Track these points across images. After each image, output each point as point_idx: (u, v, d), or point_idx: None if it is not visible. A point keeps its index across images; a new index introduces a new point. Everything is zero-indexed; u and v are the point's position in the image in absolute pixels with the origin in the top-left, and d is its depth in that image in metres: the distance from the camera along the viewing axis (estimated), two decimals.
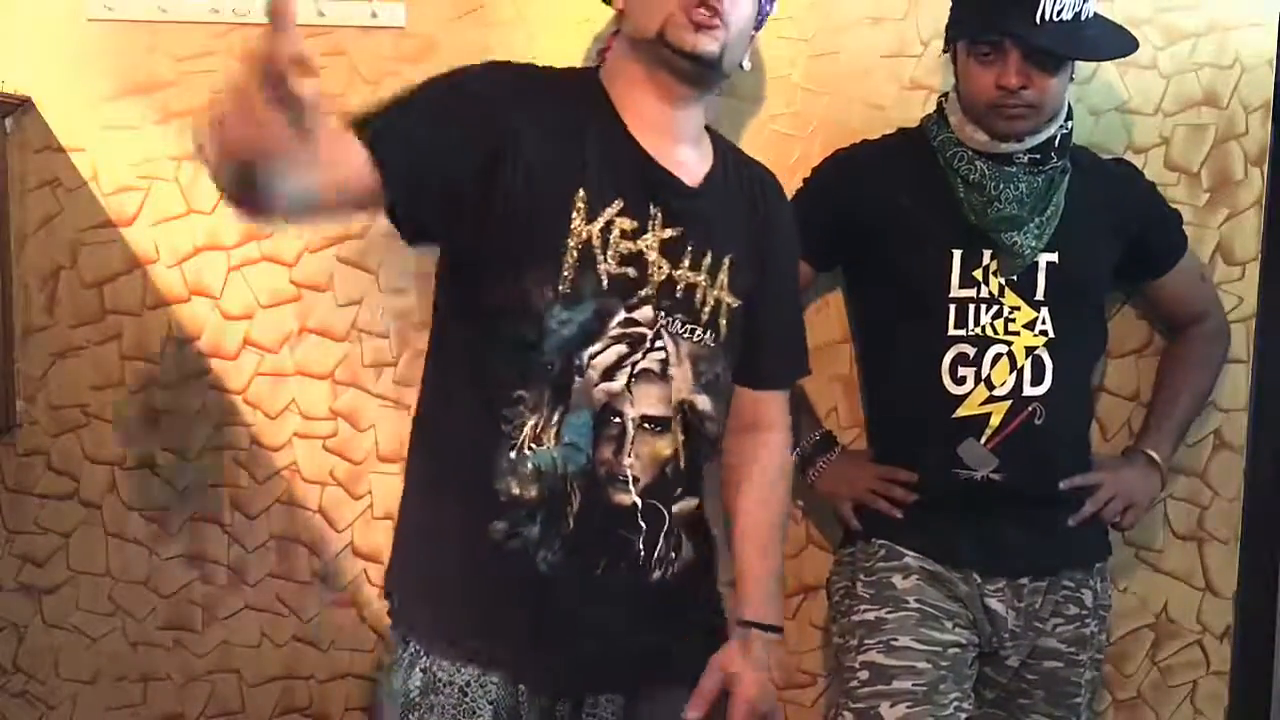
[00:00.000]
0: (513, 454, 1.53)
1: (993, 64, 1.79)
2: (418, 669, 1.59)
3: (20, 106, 2.09)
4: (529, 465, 1.53)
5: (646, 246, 1.57)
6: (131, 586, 2.19)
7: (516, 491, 1.54)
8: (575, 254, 1.52)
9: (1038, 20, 1.75)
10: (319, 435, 2.15)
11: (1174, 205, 2.07)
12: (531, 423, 1.53)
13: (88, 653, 2.21)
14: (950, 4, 1.89)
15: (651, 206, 1.57)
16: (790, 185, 2.02)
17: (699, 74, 1.58)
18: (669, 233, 1.58)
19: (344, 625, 2.19)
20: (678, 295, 1.59)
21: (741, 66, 1.66)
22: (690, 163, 1.63)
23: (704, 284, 1.61)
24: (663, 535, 1.60)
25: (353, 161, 1.38)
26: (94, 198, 2.12)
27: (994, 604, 1.91)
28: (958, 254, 1.88)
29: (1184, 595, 2.20)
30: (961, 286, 1.88)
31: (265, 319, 2.14)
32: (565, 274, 1.52)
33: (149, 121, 2.10)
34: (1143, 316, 2.15)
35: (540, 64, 1.66)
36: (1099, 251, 1.94)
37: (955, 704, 1.85)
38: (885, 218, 1.92)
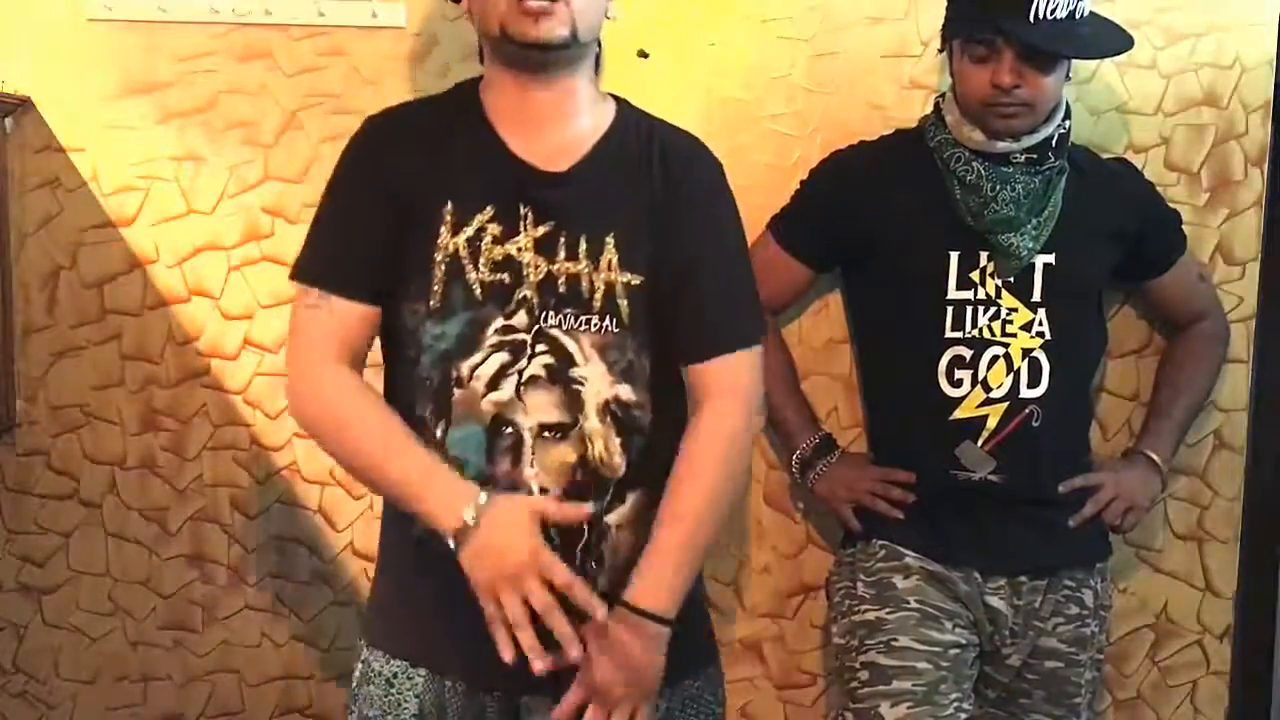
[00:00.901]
0: None
1: (987, 62, 1.80)
2: (359, 662, 1.65)
3: (20, 106, 2.09)
4: None
5: (519, 249, 1.54)
6: (131, 586, 2.19)
7: None
8: (443, 268, 1.53)
9: (1031, 18, 1.74)
10: None
11: (1174, 205, 2.07)
12: (432, 439, 1.54)
13: (88, 653, 2.21)
14: (946, 3, 1.89)
15: (522, 206, 1.54)
16: (790, 185, 2.03)
17: (556, 58, 1.52)
18: (542, 229, 1.54)
19: (344, 625, 2.19)
20: (560, 290, 1.54)
21: (608, 16, 1.59)
22: (572, 142, 1.57)
23: (586, 271, 1.54)
24: (580, 546, 1.55)
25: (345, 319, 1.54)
26: (94, 198, 2.12)
27: (994, 602, 1.91)
28: (954, 255, 1.88)
29: (1184, 595, 2.20)
30: (958, 288, 1.88)
31: (265, 319, 2.14)
32: (435, 288, 1.53)
33: (149, 121, 2.10)
34: (1143, 316, 2.15)
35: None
36: (1097, 252, 1.94)
37: (955, 704, 1.85)
38: (882, 219, 1.92)
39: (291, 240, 2.11)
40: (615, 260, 1.55)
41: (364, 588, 2.17)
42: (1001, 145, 1.84)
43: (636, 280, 1.56)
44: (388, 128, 1.61)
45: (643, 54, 2.08)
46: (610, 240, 1.55)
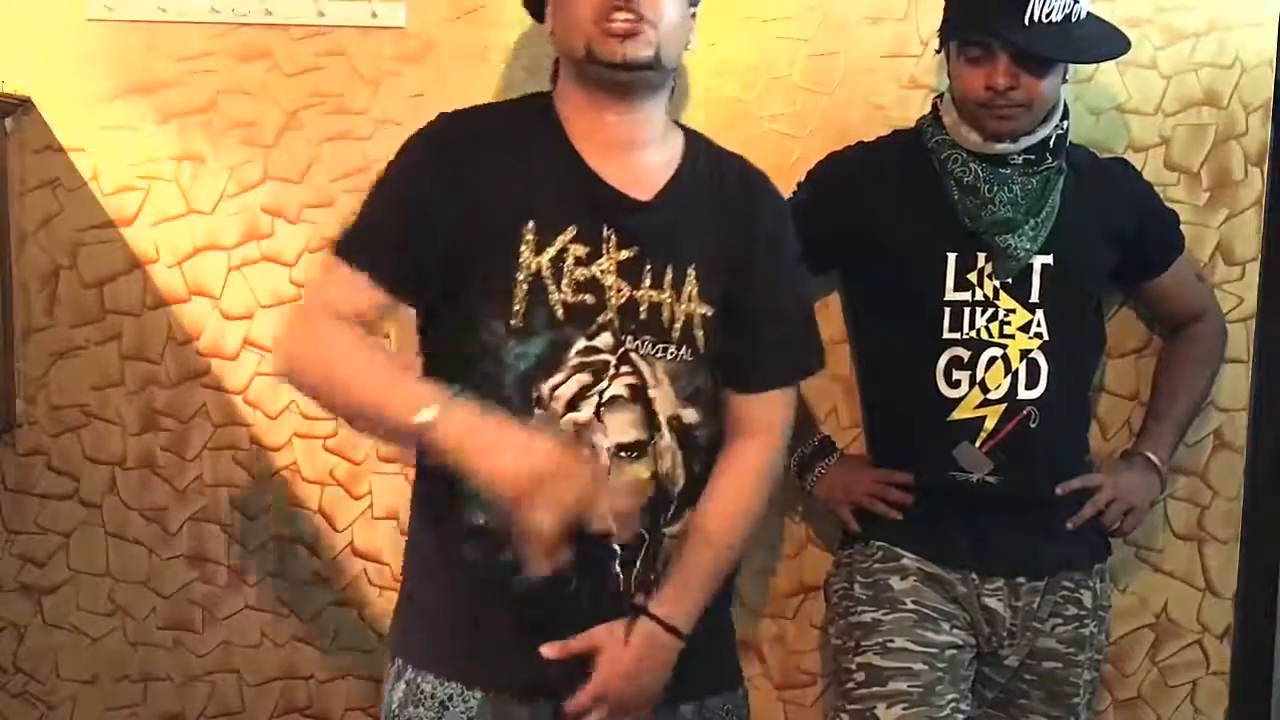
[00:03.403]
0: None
1: (982, 65, 1.80)
2: (402, 682, 1.61)
3: (20, 106, 2.09)
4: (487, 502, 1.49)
5: (602, 271, 1.53)
6: (131, 586, 2.19)
7: (481, 522, 1.54)
8: (525, 287, 1.51)
9: (1026, 22, 1.74)
10: (319, 435, 2.15)
11: (1174, 205, 2.07)
12: None
13: (88, 653, 2.21)
14: (944, 4, 1.89)
15: (605, 229, 1.54)
16: (789, 186, 2.02)
17: (639, 80, 1.54)
18: (625, 254, 1.54)
19: (344, 625, 2.19)
20: (642, 317, 1.55)
21: (688, 48, 1.60)
22: (650, 169, 1.59)
23: (669, 300, 1.56)
24: (641, 558, 1.57)
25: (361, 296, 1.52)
26: (94, 198, 2.12)
27: (992, 603, 1.91)
28: (952, 257, 1.88)
29: (1184, 595, 2.20)
30: (956, 289, 1.88)
31: (265, 319, 2.14)
32: (516, 308, 1.51)
33: (149, 121, 2.10)
34: (1142, 316, 2.14)
35: (495, 101, 1.69)
36: (1094, 253, 1.94)
37: (952, 705, 1.85)
38: (880, 221, 1.91)
39: (292, 240, 2.12)
40: (695, 292, 1.58)
41: (364, 588, 2.17)
42: (999, 146, 1.84)
43: (710, 311, 1.58)
44: (469, 129, 1.60)
45: None
46: (692, 271, 1.57)
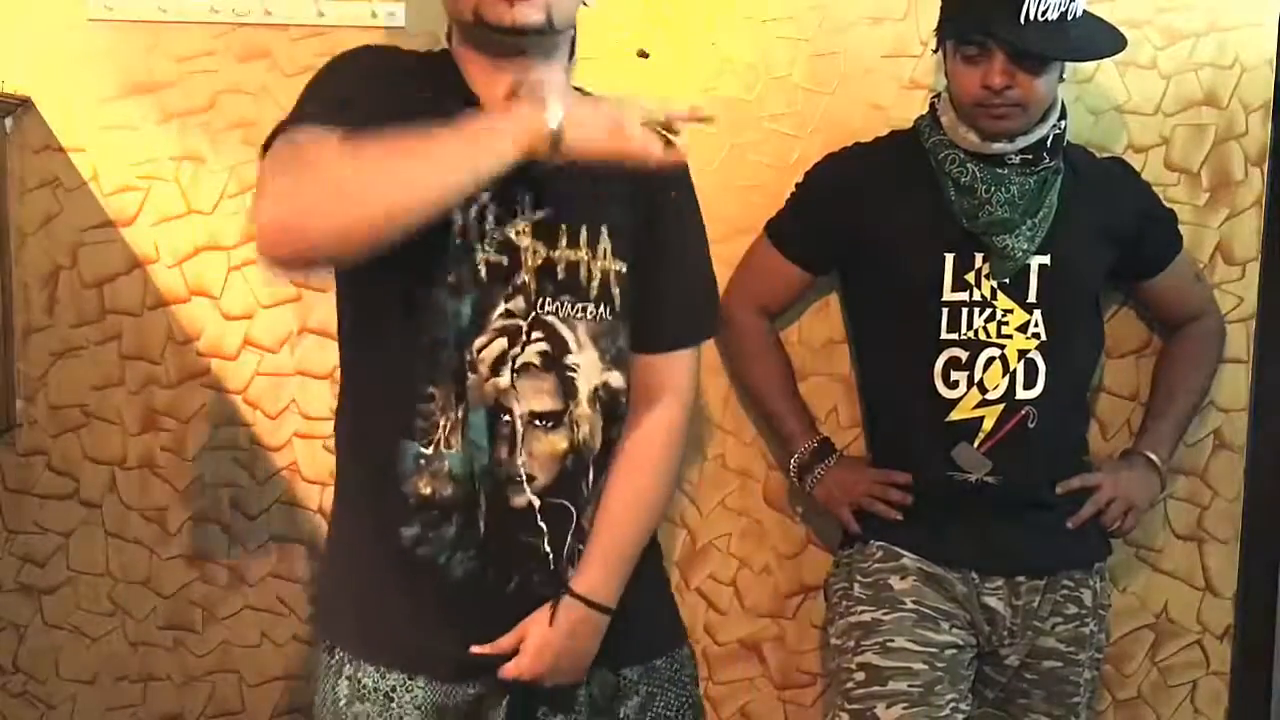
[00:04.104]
0: (428, 450, 1.48)
1: (978, 64, 1.80)
2: (344, 677, 1.56)
3: (20, 106, 2.09)
4: (445, 465, 1.49)
5: (517, 232, 1.50)
6: (131, 586, 2.19)
7: (428, 492, 1.50)
8: (457, 242, 1.47)
9: (1022, 20, 1.74)
10: (319, 435, 2.15)
11: (1174, 205, 2.07)
12: (441, 422, 1.49)
13: (88, 653, 2.21)
14: (940, 4, 1.89)
15: (517, 190, 1.49)
16: (790, 186, 2.03)
17: (532, 43, 1.48)
18: (539, 214, 1.51)
19: None
20: (559, 276, 1.51)
21: (585, 3, 1.55)
22: None
23: (585, 258, 1.53)
24: (570, 534, 1.55)
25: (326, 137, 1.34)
26: (94, 198, 2.12)
27: (992, 602, 1.91)
28: (950, 257, 1.88)
29: (1184, 595, 2.20)
30: (954, 290, 1.88)
31: (265, 319, 2.14)
32: (450, 263, 1.47)
33: (149, 121, 2.10)
34: (1142, 316, 2.14)
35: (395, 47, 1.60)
36: (1092, 253, 1.94)
37: (952, 705, 1.85)
38: (877, 221, 1.92)
39: None
40: (609, 248, 1.55)
41: None
42: (996, 146, 1.84)
43: (624, 268, 1.56)
44: (389, 63, 1.54)
45: (643, 54, 2.08)
46: (604, 229, 1.55)
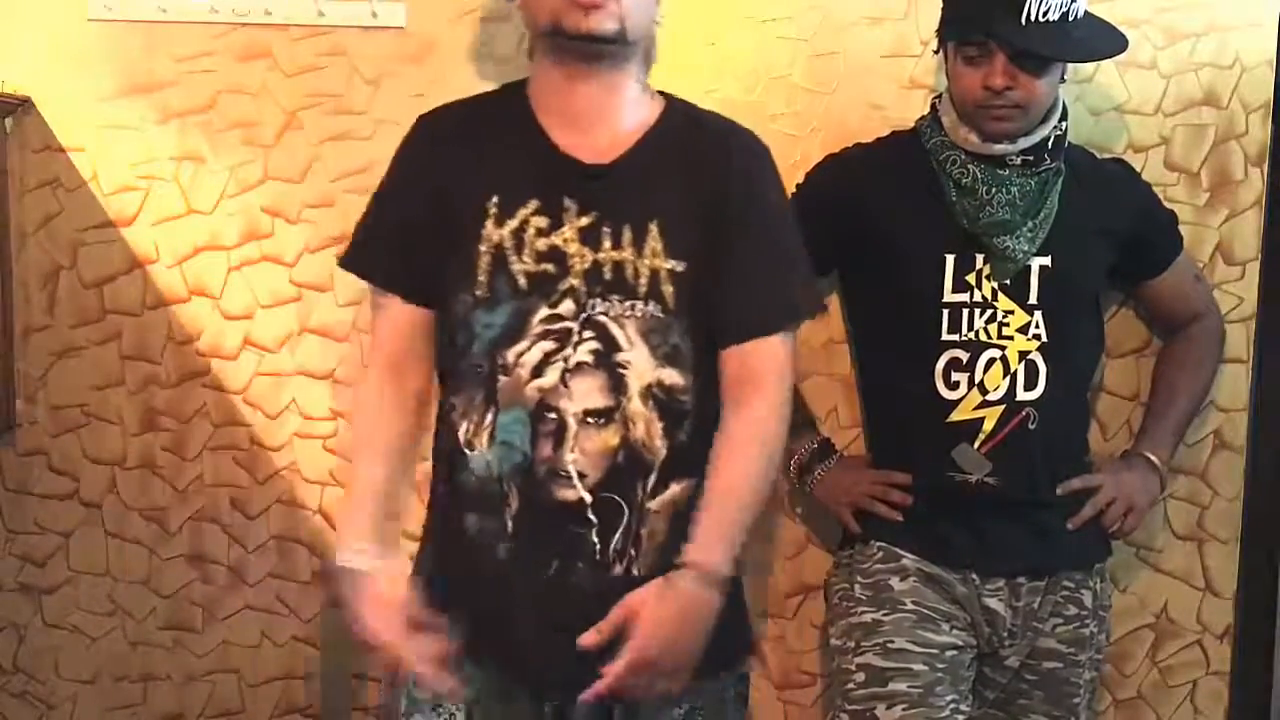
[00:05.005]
0: (465, 451, 1.60)
1: (979, 65, 1.80)
2: (401, 697, 1.66)
3: (20, 106, 2.09)
4: (470, 464, 1.59)
5: (564, 240, 1.58)
6: (131, 586, 2.19)
7: (467, 489, 1.60)
8: (488, 259, 1.58)
9: (1023, 21, 1.74)
10: (319, 435, 2.15)
11: (1174, 205, 2.07)
12: (463, 427, 1.59)
13: (88, 653, 2.21)
14: (942, 4, 1.89)
15: (565, 199, 1.58)
16: (790, 186, 2.02)
17: (606, 52, 1.57)
18: (585, 220, 1.58)
19: (344, 625, 2.19)
20: (607, 277, 1.57)
21: (656, 21, 1.64)
22: (618, 136, 1.61)
23: (630, 257, 1.58)
24: (620, 529, 1.57)
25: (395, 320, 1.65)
26: (94, 198, 2.12)
27: (992, 603, 1.91)
28: (950, 258, 1.88)
29: (1184, 595, 2.20)
30: (954, 291, 1.88)
31: (265, 319, 2.14)
32: (480, 278, 1.57)
33: (149, 121, 2.10)
34: (1142, 316, 2.14)
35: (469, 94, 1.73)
36: (1093, 254, 1.94)
37: (952, 706, 1.85)
38: (878, 222, 1.91)
39: (291, 240, 2.12)
40: (660, 247, 1.59)
41: None
42: (997, 147, 1.83)
43: (681, 267, 1.59)
44: (436, 124, 1.68)
45: None
46: (654, 227, 1.59)
